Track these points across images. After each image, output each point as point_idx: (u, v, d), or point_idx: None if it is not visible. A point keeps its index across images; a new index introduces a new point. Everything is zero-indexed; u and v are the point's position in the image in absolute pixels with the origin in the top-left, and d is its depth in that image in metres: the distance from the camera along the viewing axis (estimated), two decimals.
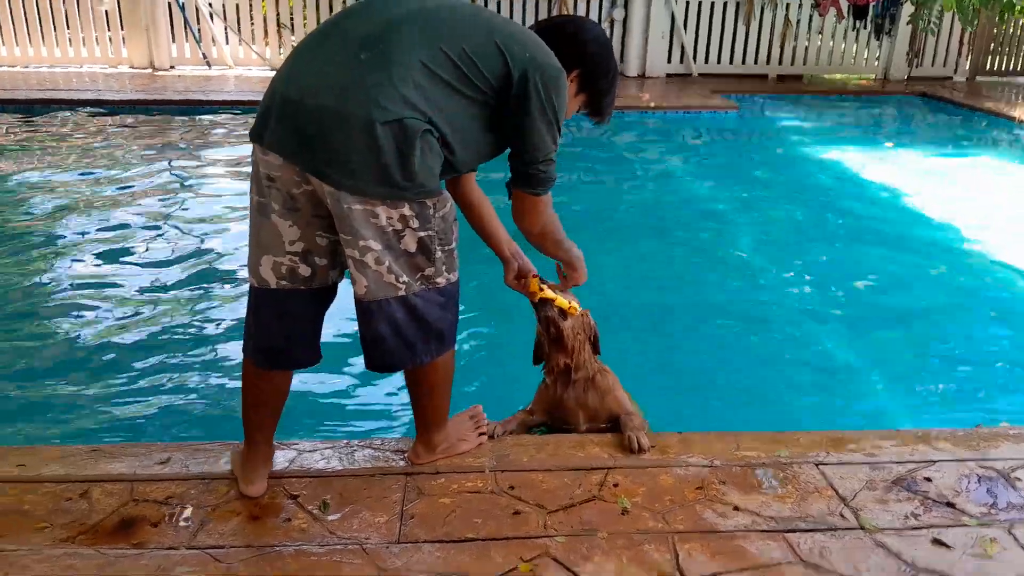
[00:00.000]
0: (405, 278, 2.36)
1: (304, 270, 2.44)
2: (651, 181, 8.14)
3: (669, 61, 13.14)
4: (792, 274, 5.50)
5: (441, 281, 2.45)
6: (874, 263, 5.68)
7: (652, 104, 10.67)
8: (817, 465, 2.80)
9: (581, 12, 12.52)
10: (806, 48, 13.35)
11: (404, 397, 3.61)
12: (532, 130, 2.37)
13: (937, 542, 2.41)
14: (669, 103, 10.77)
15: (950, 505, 2.59)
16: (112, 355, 4.03)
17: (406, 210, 2.27)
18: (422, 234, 2.33)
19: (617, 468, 2.77)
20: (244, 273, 4.97)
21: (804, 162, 8.86)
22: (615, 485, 2.68)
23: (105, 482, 2.67)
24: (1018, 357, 4.43)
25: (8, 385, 3.71)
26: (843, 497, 2.63)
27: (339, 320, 4.12)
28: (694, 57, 13.13)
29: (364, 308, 2.40)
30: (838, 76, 13.68)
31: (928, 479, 2.73)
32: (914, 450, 2.90)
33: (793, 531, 2.46)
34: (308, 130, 2.20)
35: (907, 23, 12.78)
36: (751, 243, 6.13)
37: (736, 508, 2.56)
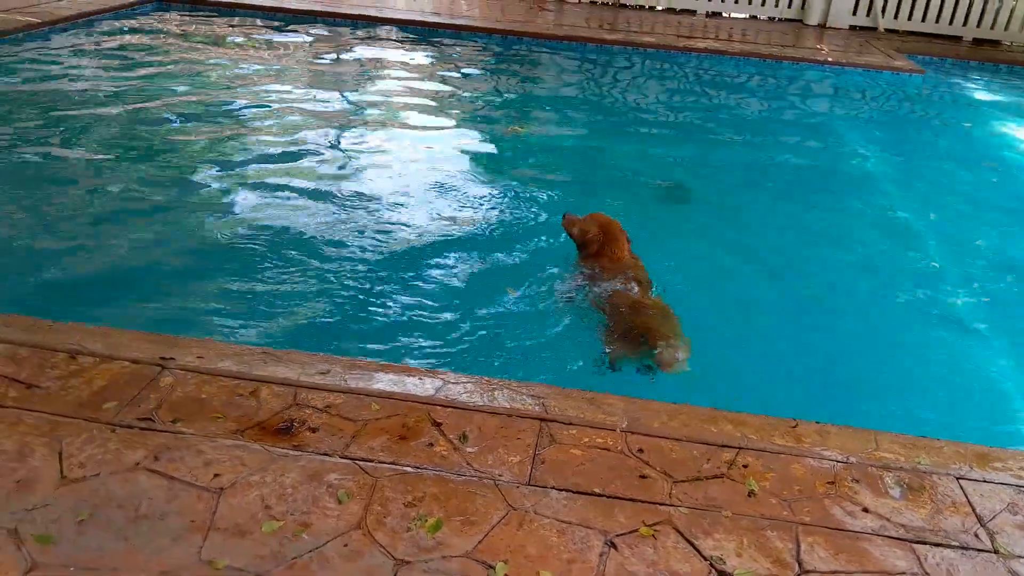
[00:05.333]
0: None
1: None
2: (814, 146, 7.75)
3: (855, 12, 12.35)
4: (957, 267, 5.16)
5: None
6: None
7: (830, 59, 10.09)
8: (958, 479, 2.73)
9: None
10: (1012, 9, 12.15)
11: (550, 342, 3.74)
12: None
13: None
14: (848, 59, 10.15)
15: None
16: (284, 261, 4.30)
17: None
18: None
19: (748, 449, 2.80)
20: (416, 194, 5.14)
21: (990, 141, 8.21)
22: (744, 466, 2.71)
23: (273, 383, 2.93)
24: None
25: (184, 280, 4.04)
26: (980, 516, 2.56)
27: (492, 255, 4.26)
28: (882, 10, 12.26)
29: None
30: None
31: None
32: None
33: (922, 543, 2.43)
34: None
35: None
36: (914, 226, 5.78)
37: (866, 509, 2.55)
